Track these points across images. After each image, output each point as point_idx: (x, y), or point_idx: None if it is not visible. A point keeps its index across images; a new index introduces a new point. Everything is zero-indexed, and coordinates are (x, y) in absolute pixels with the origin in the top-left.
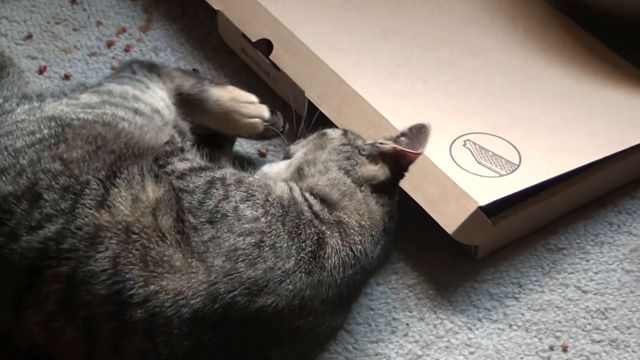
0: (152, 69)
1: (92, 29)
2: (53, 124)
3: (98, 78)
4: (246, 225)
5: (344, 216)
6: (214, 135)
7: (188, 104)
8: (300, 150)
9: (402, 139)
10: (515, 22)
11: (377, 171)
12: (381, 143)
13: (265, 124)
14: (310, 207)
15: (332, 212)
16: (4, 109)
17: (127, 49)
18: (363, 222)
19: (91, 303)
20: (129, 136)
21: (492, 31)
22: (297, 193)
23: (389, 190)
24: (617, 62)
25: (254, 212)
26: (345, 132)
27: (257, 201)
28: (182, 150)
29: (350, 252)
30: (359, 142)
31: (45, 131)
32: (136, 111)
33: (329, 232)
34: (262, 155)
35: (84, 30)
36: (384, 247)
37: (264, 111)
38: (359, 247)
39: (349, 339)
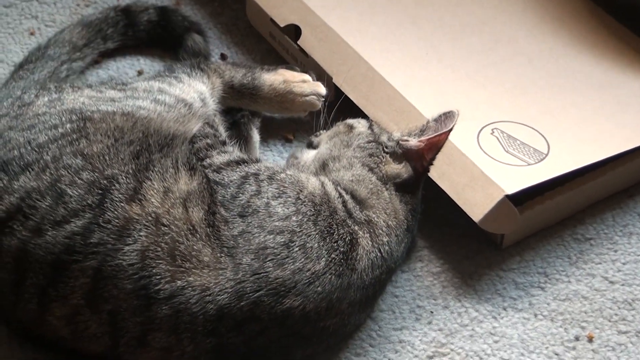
0: (197, 64)
1: None
2: (74, 117)
3: (125, 61)
4: (277, 223)
5: (374, 215)
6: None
7: (242, 95)
8: (324, 143)
9: (432, 123)
10: (545, 12)
11: (401, 170)
12: (405, 140)
13: (322, 99)
14: (344, 203)
15: (362, 211)
16: (24, 101)
17: None
18: (390, 222)
19: (117, 297)
20: (147, 124)
21: (522, 20)
22: (330, 188)
23: (412, 187)
24: None
25: (285, 210)
26: (370, 126)
27: (289, 199)
28: (223, 143)
29: (378, 254)
30: (384, 138)
31: (68, 125)
32: (157, 101)
33: (361, 233)
34: (289, 140)
35: None
36: (407, 245)
37: (319, 88)
38: (386, 247)
39: (372, 326)
